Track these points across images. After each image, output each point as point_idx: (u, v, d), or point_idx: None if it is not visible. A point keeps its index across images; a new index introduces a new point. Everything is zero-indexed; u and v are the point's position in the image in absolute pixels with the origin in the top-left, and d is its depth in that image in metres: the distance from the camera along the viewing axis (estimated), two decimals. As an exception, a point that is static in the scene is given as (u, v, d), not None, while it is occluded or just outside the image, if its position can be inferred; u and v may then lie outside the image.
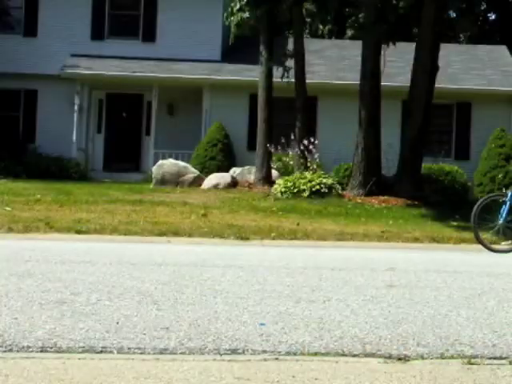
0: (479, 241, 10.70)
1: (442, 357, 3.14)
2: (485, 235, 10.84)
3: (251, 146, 22.85)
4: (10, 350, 3.03)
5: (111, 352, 3.07)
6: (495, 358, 3.15)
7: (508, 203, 10.81)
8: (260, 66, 20.53)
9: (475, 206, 11.01)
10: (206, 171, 21.23)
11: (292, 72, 19.80)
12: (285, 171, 20.13)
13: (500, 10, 35.44)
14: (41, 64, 24.64)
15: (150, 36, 25.34)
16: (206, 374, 2.77)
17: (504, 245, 11.03)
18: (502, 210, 10.87)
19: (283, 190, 17.39)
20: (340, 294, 4.62)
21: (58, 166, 22.53)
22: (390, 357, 3.12)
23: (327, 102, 24.51)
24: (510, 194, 10.89)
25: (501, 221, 10.81)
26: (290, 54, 20.06)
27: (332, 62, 26.02)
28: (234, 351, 3.12)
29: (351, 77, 23.48)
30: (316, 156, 18.97)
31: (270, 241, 11.47)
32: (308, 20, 32.93)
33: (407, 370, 2.94)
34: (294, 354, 3.10)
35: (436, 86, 20.40)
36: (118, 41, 25.20)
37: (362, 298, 4.49)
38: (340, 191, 17.88)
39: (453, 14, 23.38)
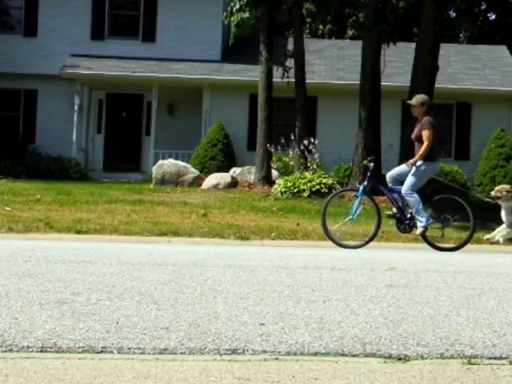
0: (328, 236, 10.56)
1: (442, 357, 3.14)
2: (335, 230, 10.69)
3: (251, 146, 22.87)
4: (10, 350, 3.03)
5: (111, 352, 3.06)
6: (495, 358, 3.15)
7: (359, 198, 10.67)
8: (260, 66, 20.53)
9: (325, 201, 10.90)
10: (205, 171, 21.24)
11: (292, 72, 19.81)
12: (285, 171, 20.15)
13: (500, 9, 35.45)
14: (41, 64, 24.66)
15: (149, 36, 25.36)
16: (206, 374, 2.77)
17: (355, 240, 10.92)
18: (353, 205, 10.75)
19: (283, 189, 17.40)
20: (340, 293, 4.62)
21: (58, 166, 22.55)
22: (389, 357, 3.12)
23: (327, 102, 24.53)
24: (361, 189, 10.74)
25: (351, 215, 10.66)
26: (290, 53, 20.07)
27: (332, 61, 26.03)
28: (233, 351, 3.12)
29: (351, 77, 23.49)
30: (316, 156, 18.98)
31: (270, 241, 11.47)
32: (308, 20, 32.95)
33: (407, 370, 2.94)
34: (294, 354, 3.10)
35: (436, 85, 20.39)
36: (118, 41, 25.21)
37: (361, 298, 4.49)
38: (340, 191, 17.88)
39: (453, 14, 23.40)
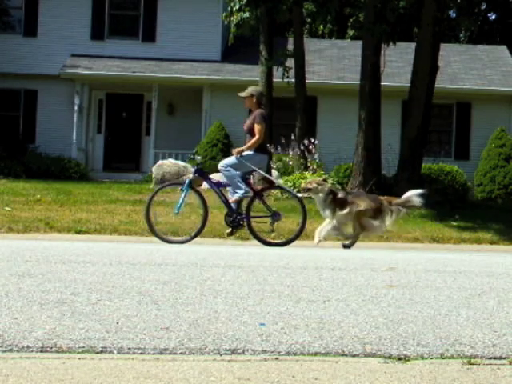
0: (152, 231, 10.47)
1: (442, 357, 3.14)
2: (160, 226, 10.67)
3: (251, 146, 22.85)
4: (10, 350, 3.03)
5: (111, 352, 3.06)
6: (495, 358, 3.15)
7: (184, 192, 10.60)
8: (260, 66, 20.53)
9: (150, 196, 10.78)
10: (206, 171, 21.23)
11: (292, 72, 19.81)
12: (285, 171, 20.16)
13: (500, 9, 35.45)
14: (41, 64, 24.67)
15: (150, 36, 25.36)
16: (206, 374, 2.77)
17: (181, 235, 10.90)
18: (179, 199, 10.66)
19: (283, 190, 17.38)
20: (340, 293, 4.62)
21: (58, 166, 22.56)
22: (389, 357, 3.12)
23: (327, 102, 24.54)
24: (187, 183, 10.66)
25: (176, 210, 10.61)
26: (290, 53, 20.08)
27: (332, 61, 26.04)
28: (234, 351, 3.12)
29: (351, 77, 23.51)
30: (316, 156, 18.98)
31: (270, 241, 11.45)
32: (308, 20, 32.95)
33: (407, 370, 2.94)
34: (294, 354, 3.10)
35: (436, 86, 20.40)
36: (118, 41, 25.22)
37: (361, 298, 4.49)
38: (340, 191, 17.90)
39: (453, 14, 23.40)
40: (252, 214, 10.66)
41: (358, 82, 18.97)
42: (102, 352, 3.06)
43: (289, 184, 17.48)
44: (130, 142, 25.51)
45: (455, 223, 14.88)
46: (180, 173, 19.52)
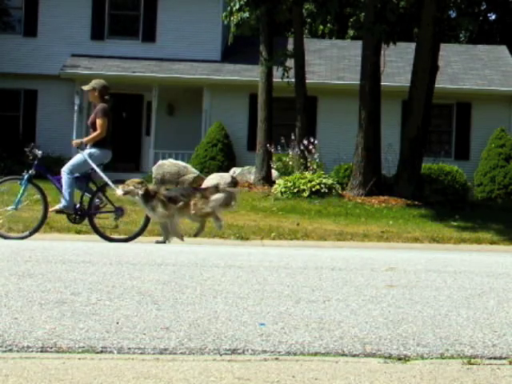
0: None
1: (442, 357, 3.14)
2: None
3: (251, 146, 22.87)
4: (10, 350, 3.03)
5: (111, 352, 3.06)
6: (495, 358, 3.15)
7: (23, 186, 10.48)
8: (260, 66, 20.54)
9: None
10: (205, 171, 21.24)
11: (292, 72, 19.81)
12: (285, 171, 20.17)
13: (500, 9, 35.44)
14: (41, 64, 24.67)
15: (150, 36, 25.36)
16: (206, 374, 2.77)
17: (20, 231, 10.76)
18: (18, 194, 10.51)
19: (283, 189, 17.41)
20: (340, 293, 4.62)
21: (58, 166, 22.51)
22: (389, 357, 3.12)
23: (327, 102, 24.54)
24: (26, 177, 10.51)
25: (14, 205, 10.50)
26: (290, 53, 20.08)
27: (332, 61, 26.03)
28: (234, 351, 3.12)
29: (351, 77, 23.51)
30: (316, 156, 18.98)
31: (270, 241, 11.48)
32: (308, 20, 32.95)
33: (407, 370, 2.94)
34: (294, 354, 3.10)
35: (436, 86, 20.40)
36: (118, 41, 25.22)
37: (361, 298, 4.49)
38: (340, 191, 17.91)
39: (453, 14, 23.40)
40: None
41: (358, 82, 18.97)
42: (102, 352, 3.06)
43: (289, 184, 17.49)
44: (129, 141, 25.50)
45: (455, 223, 14.88)
46: (180, 173, 19.52)
